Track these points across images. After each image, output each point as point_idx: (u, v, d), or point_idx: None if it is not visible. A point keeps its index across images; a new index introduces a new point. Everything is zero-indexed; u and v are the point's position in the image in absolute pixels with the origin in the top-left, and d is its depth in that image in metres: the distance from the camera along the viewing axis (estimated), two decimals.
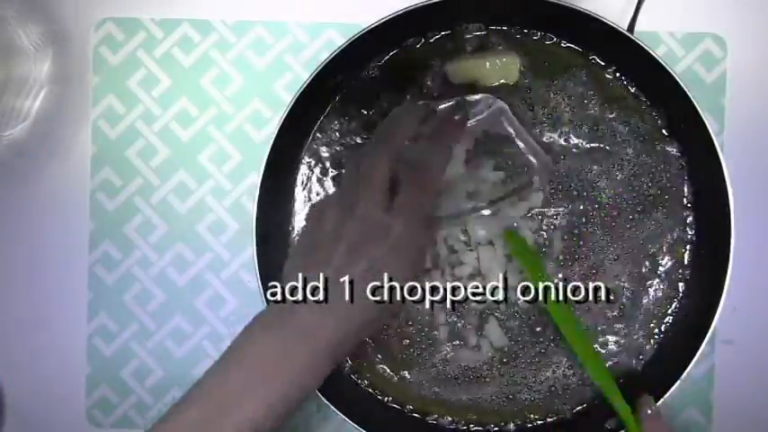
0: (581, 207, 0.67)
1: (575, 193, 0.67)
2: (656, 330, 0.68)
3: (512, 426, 0.68)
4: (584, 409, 0.68)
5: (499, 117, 0.65)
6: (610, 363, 0.67)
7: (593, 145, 0.67)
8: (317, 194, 0.69)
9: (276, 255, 0.68)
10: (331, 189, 0.69)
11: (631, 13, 0.65)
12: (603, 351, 0.67)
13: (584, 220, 0.67)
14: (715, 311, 0.63)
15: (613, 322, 0.67)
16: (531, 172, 0.66)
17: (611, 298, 0.67)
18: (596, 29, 0.63)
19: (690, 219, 0.67)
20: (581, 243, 0.67)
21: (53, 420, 0.72)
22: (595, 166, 0.67)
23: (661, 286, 0.68)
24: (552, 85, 0.67)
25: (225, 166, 0.72)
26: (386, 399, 0.68)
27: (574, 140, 0.67)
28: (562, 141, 0.67)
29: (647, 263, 0.67)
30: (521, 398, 0.68)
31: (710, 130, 0.62)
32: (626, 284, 0.67)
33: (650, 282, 0.67)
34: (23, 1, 0.71)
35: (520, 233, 0.66)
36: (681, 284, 0.68)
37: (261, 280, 0.64)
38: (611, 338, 0.67)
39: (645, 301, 0.67)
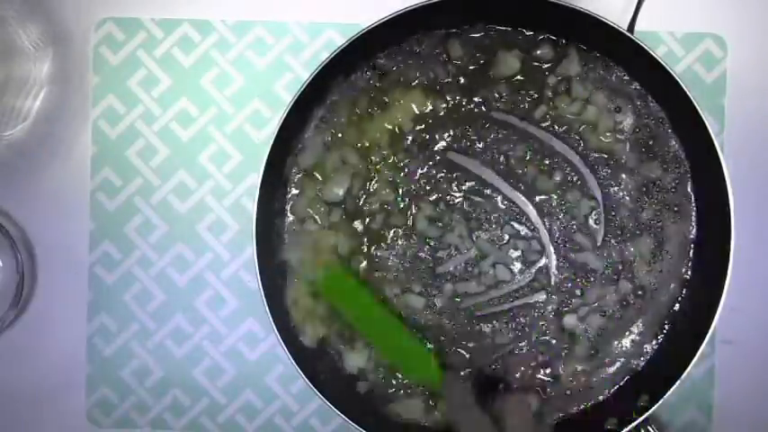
0: (581, 207, 0.67)
1: (577, 192, 0.67)
2: (657, 330, 0.68)
3: None
4: (584, 409, 0.68)
5: None
6: (619, 363, 0.67)
7: (592, 145, 0.67)
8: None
9: (276, 255, 0.68)
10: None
11: (631, 13, 0.65)
12: (617, 352, 0.68)
13: (584, 220, 0.67)
14: (715, 311, 0.63)
15: (624, 322, 0.67)
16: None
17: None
18: (596, 29, 0.63)
19: (690, 218, 0.67)
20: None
21: (53, 420, 0.72)
22: (595, 167, 0.67)
23: (661, 287, 0.68)
24: (552, 86, 0.67)
25: (225, 166, 0.72)
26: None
27: (573, 140, 0.67)
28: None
29: (647, 263, 0.67)
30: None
31: (710, 130, 0.62)
32: (627, 284, 0.67)
33: (651, 282, 0.67)
34: (23, 1, 0.71)
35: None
36: (681, 284, 0.68)
37: (261, 280, 0.64)
38: (623, 341, 0.68)
39: (645, 301, 0.67)
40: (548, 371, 0.67)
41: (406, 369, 0.67)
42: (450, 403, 0.64)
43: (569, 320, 0.67)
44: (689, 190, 0.67)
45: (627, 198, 0.67)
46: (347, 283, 0.67)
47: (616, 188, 0.67)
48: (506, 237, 0.68)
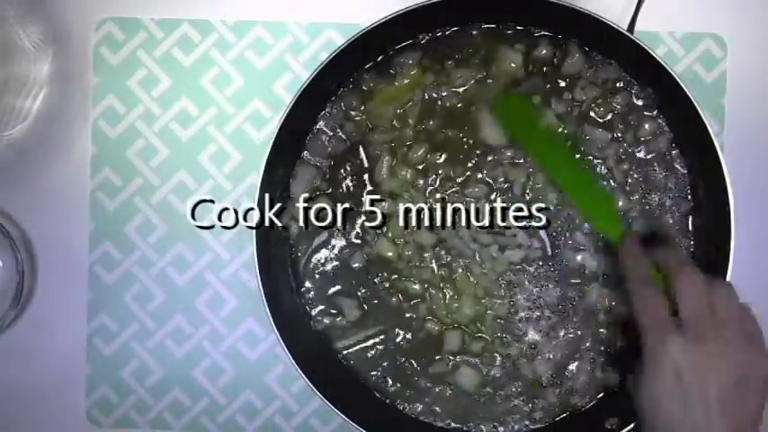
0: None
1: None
2: None
3: (515, 426, 0.68)
4: (584, 410, 0.68)
5: None
6: (620, 363, 0.67)
7: (592, 145, 0.67)
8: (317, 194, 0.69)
9: (276, 254, 0.68)
10: (328, 189, 0.68)
11: (631, 13, 0.65)
12: (617, 352, 0.67)
13: (584, 221, 0.67)
14: None
15: (625, 322, 0.67)
16: None
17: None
18: (596, 29, 0.63)
19: (690, 219, 0.67)
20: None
21: (53, 420, 0.72)
22: (595, 169, 0.67)
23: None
24: (552, 85, 0.67)
25: (225, 166, 0.72)
26: (386, 400, 0.69)
27: (573, 140, 0.67)
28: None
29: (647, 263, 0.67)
30: (521, 399, 0.68)
31: (710, 131, 0.62)
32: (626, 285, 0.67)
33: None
34: (23, 1, 0.71)
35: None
36: None
37: (261, 280, 0.64)
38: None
39: None
40: (548, 371, 0.68)
41: (591, 214, 0.64)
42: (629, 270, 0.60)
43: (570, 320, 0.67)
44: (688, 190, 0.67)
45: (627, 198, 0.67)
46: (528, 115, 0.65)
47: (615, 187, 0.67)
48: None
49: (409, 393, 0.68)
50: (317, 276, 0.69)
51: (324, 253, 0.69)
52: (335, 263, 0.69)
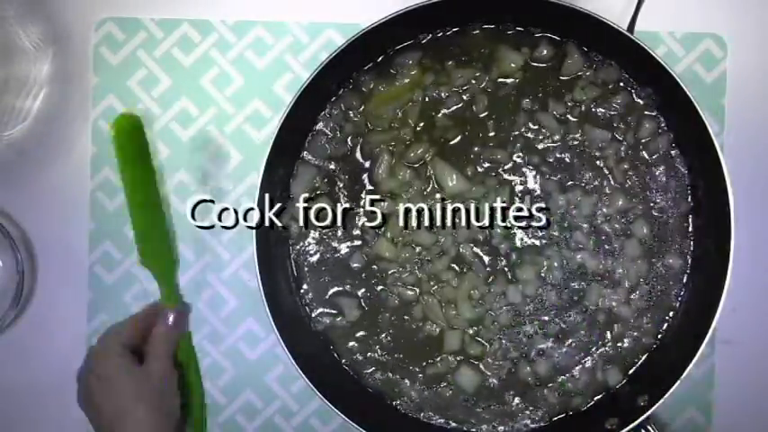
0: (582, 207, 0.67)
1: (578, 191, 0.67)
2: (657, 330, 0.68)
3: (515, 426, 0.68)
4: (584, 410, 0.68)
5: None
6: (619, 363, 0.68)
7: (592, 145, 0.67)
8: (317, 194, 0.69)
9: (276, 254, 0.68)
10: (328, 189, 0.69)
11: (631, 13, 0.65)
12: (617, 352, 0.68)
13: (584, 219, 0.67)
14: (715, 311, 0.63)
15: (624, 323, 0.67)
16: None
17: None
18: (596, 29, 0.63)
19: (690, 219, 0.67)
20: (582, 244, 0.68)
21: (53, 420, 0.72)
22: (596, 169, 0.67)
23: (661, 287, 0.68)
24: (552, 85, 0.67)
25: (225, 166, 0.72)
26: (386, 400, 0.69)
27: (573, 140, 0.67)
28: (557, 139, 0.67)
29: (647, 263, 0.67)
30: (520, 399, 0.68)
31: (710, 130, 0.62)
32: (627, 284, 0.67)
33: (650, 282, 0.67)
34: (23, 1, 0.71)
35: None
36: (681, 285, 0.68)
37: (261, 280, 0.64)
38: (624, 340, 0.68)
39: (645, 301, 0.67)
40: (548, 371, 0.68)
41: (144, 254, 0.62)
42: (155, 345, 0.61)
43: (570, 320, 0.67)
44: (688, 190, 0.67)
45: (627, 198, 0.67)
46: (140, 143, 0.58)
47: (615, 188, 0.67)
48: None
49: (409, 393, 0.68)
50: (317, 276, 0.69)
51: (323, 253, 0.69)
52: (335, 263, 0.69)
